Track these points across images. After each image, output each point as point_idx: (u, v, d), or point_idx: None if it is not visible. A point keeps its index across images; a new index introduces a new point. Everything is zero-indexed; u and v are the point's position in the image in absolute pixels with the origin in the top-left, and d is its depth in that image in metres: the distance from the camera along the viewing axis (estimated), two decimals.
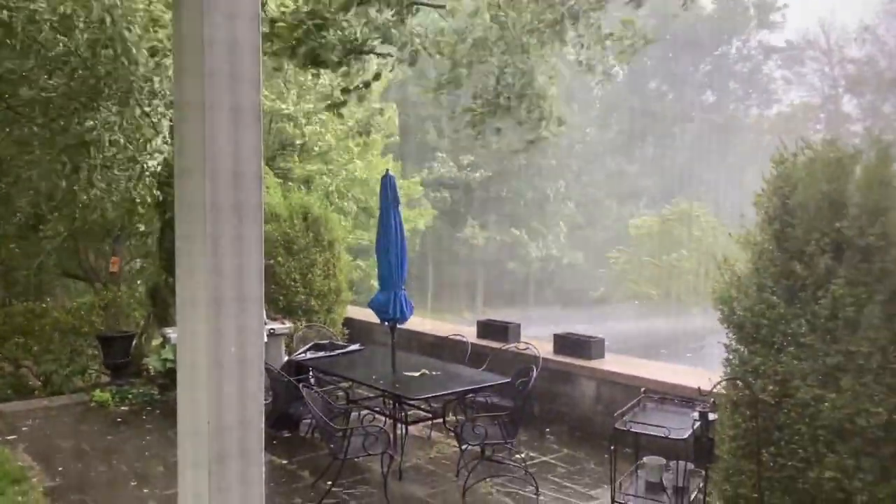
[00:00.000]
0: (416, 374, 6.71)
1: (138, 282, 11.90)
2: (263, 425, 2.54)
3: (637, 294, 33.39)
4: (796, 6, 43.63)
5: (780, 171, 4.61)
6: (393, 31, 6.28)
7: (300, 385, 6.29)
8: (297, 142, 14.07)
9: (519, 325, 8.68)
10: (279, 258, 9.30)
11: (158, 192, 9.23)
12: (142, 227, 10.73)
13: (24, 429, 7.74)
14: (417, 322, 9.23)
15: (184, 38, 2.49)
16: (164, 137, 8.32)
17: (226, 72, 2.38)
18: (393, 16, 6.61)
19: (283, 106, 13.10)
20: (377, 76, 7.38)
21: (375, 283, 15.73)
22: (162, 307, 9.77)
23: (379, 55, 6.91)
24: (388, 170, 7.38)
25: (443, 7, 7.05)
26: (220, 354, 2.46)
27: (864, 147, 4.55)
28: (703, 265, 28.22)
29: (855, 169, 4.48)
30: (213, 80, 2.39)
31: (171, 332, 8.46)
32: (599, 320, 26.96)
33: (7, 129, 9.38)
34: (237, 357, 2.49)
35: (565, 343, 7.95)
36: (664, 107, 41.91)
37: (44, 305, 10.74)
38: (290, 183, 12.81)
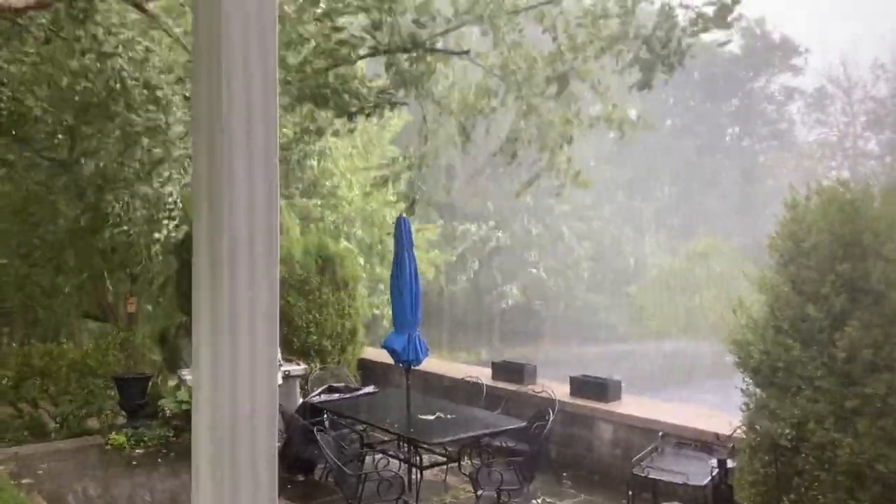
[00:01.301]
0: (431, 417, 6.66)
1: (152, 322, 11.99)
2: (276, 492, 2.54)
3: (656, 332, 33.12)
4: (818, 42, 43.95)
5: (794, 215, 4.62)
6: (411, 76, 6.37)
7: (315, 429, 6.27)
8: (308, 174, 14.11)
9: (535, 367, 8.62)
10: (289, 299, 9.30)
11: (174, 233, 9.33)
12: (156, 268, 10.82)
13: (39, 472, 7.75)
14: (432, 363, 9.19)
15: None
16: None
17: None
18: (412, 64, 6.69)
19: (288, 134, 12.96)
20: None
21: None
22: (171, 350, 9.83)
23: (400, 103, 7.01)
24: (402, 212, 7.44)
25: (466, 53, 7.12)
26: (234, 411, 2.48)
27: (877, 188, 4.55)
28: (723, 303, 28.01)
29: (867, 210, 4.47)
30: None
31: (187, 374, 8.49)
32: (617, 359, 26.72)
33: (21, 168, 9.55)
34: (250, 421, 2.52)
35: (582, 385, 7.87)
36: (682, 145, 42.02)
37: (62, 346, 10.82)
38: (309, 223, 12.88)
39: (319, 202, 14.43)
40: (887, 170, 34.65)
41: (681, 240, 36.42)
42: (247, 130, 2.62)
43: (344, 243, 10.61)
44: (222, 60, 2.58)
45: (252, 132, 2.64)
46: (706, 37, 6.27)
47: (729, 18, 5.82)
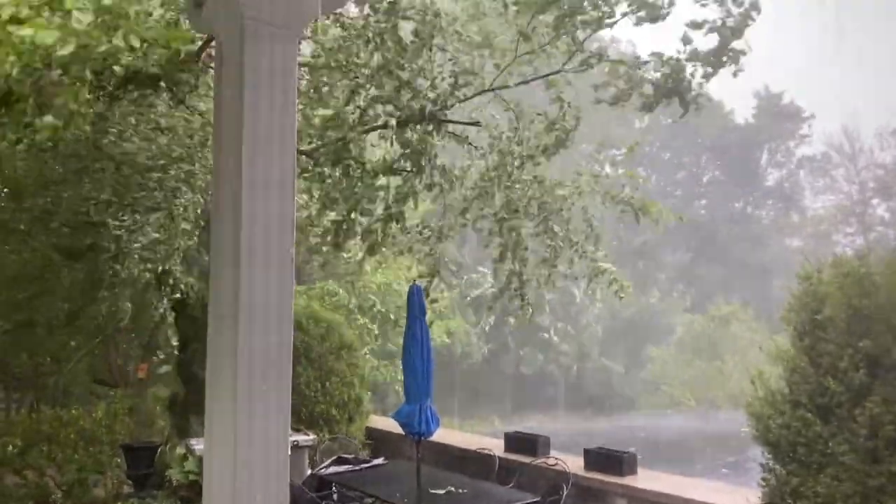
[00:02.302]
0: (442, 491, 6.51)
1: (162, 387, 11.90)
2: None
3: (672, 399, 32.56)
4: (826, 110, 44.45)
5: (807, 287, 4.57)
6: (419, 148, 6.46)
7: (323, 502, 6.13)
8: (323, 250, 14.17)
9: (548, 438, 8.44)
10: (298, 368, 9.24)
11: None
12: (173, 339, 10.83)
13: None
14: (444, 433, 9.03)
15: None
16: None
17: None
18: (422, 135, 6.78)
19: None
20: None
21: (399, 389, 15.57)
22: (180, 417, 9.74)
23: (408, 172, 7.08)
24: (415, 280, 7.43)
25: (477, 124, 7.22)
26: (245, 486, 2.44)
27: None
28: (741, 371, 27.59)
29: (887, 284, 4.42)
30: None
31: (196, 444, 8.38)
32: (632, 428, 26.22)
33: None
34: (259, 496, 2.47)
35: (597, 458, 7.68)
36: (694, 212, 42.20)
37: (72, 412, 10.73)
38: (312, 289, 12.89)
39: (339, 288, 14.42)
40: None
41: (697, 305, 36.17)
42: (264, 212, 2.65)
43: (331, 314, 10.62)
44: (243, 144, 2.64)
45: (269, 217, 2.67)
46: (718, 103, 6.35)
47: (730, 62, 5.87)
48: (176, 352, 10.48)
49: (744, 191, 44.04)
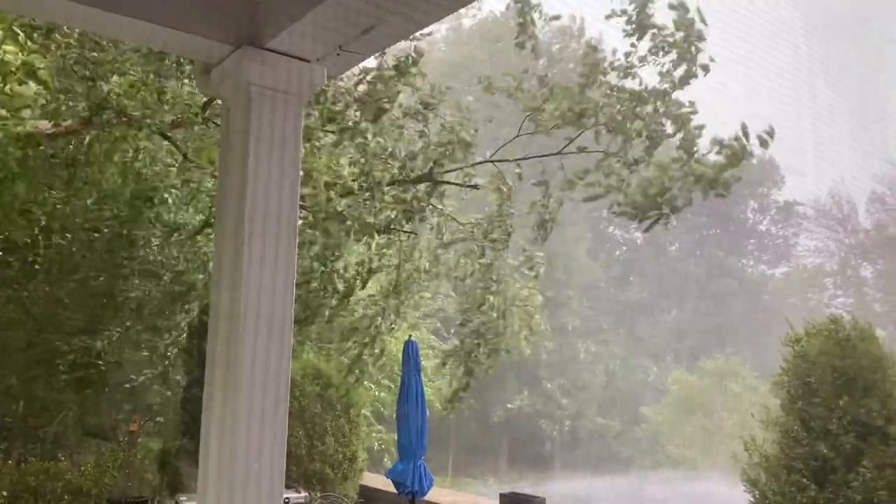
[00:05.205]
0: None
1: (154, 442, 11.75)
2: None
3: (672, 457, 32.02)
4: (815, 171, 44.94)
5: (797, 351, 4.61)
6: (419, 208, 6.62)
7: None
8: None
9: (544, 500, 8.34)
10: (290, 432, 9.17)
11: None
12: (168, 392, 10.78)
13: None
14: (437, 492, 8.91)
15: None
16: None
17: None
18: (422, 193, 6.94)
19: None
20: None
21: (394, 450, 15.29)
22: (171, 472, 9.61)
23: (406, 232, 7.23)
24: (410, 336, 7.46)
25: (475, 187, 7.39)
26: None
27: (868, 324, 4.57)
28: (739, 429, 27.18)
29: (867, 346, 4.47)
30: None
31: (185, 500, 8.25)
32: (629, 490, 25.76)
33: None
34: None
35: None
36: (686, 269, 42.36)
37: (59, 465, 10.54)
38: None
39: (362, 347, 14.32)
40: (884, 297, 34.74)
41: (691, 361, 35.96)
42: (266, 268, 2.70)
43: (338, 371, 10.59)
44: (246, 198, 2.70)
45: (272, 271, 2.72)
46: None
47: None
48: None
49: (734, 245, 44.35)
